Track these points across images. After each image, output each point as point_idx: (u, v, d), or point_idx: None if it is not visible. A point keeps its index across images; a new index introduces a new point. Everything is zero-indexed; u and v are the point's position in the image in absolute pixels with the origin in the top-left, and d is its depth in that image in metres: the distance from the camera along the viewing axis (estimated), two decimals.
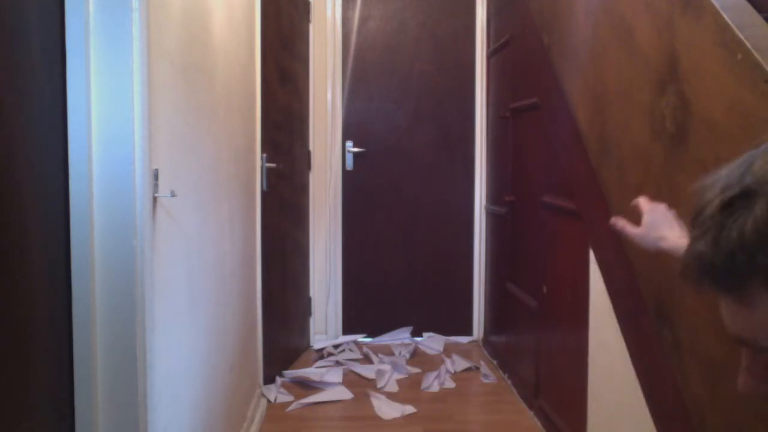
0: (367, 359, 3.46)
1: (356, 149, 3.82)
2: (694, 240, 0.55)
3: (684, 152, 1.50)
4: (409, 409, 2.81)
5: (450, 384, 3.14)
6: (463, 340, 3.87)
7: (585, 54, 2.17)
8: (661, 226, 1.11)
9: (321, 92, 3.76)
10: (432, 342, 3.72)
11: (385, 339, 3.79)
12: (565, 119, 2.35)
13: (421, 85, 3.85)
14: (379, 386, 3.07)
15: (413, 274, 3.88)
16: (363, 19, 3.81)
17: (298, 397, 2.92)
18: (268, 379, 2.99)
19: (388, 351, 3.58)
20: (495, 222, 3.58)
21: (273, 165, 3.00)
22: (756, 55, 1.22)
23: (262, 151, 2.86)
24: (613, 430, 1.97)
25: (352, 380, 3.16)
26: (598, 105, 2.05)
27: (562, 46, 2.41)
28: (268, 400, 2.87)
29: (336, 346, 3.63)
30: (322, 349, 3.58)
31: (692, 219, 0.57)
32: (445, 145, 3.87)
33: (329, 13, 3.74)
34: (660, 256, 1.61)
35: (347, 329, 3.85)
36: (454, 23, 3.85)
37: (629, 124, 1.81)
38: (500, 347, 3.40)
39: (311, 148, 3.75)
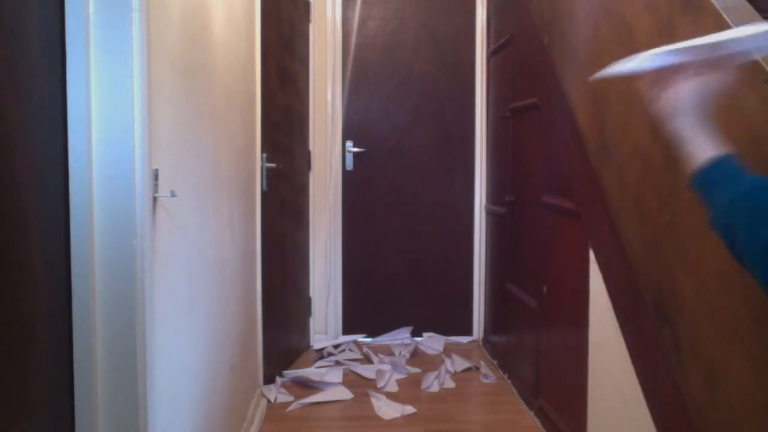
0: (367, 359, 3.46)
1: (356, 149, 3.83)
2: None
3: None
4: (409, 409, 2.81)
5: (450, 384, 3.14)
6: (463, 340, 3.87)
7: (585, 54, 2.17)
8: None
9: (321, 92, 3.76)
10: (432, 342, 3.72)
11: (385, 339, 3.79)
12: (565, 119, 2.35)
13: (421, 85, 3.85)
14: (379, 386, 3.07)
15: (413, 274, 3.89)
16: (363, 19, 3.81)
17: (298, 397, 2.93)
18: (268, 379, 2.99)
19: (388, 351, 3.58)
20: (495, 222, 3.58)
21: (273, 165, 3.00)
22: None
23: (262, 151, 2.86)
24: (613, 430, 1.97)
25: (352, 380, 3.16)
26: (598, 105, 2.05)
27: (562, 46, 2.41)
28: (268, 400, 2.87)
29: (336, 346, 3.63)
30: (322, 349, 3.58)
31: None
32: (445, 145, 3.87)
33: (329, 13, 3.74)
34: (660, 256, 1.62)
35: (347, 329, 3.85)
36: (454, 23, 3.86)
37: (629, 124, 1.81)
38: (500, 347, 3.40)
39: (311, 148, 3.75)
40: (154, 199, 1.40)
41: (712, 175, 0.91)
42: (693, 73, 0.98)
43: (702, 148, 0.94)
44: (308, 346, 3.73)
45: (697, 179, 0.93)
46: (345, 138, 3.82)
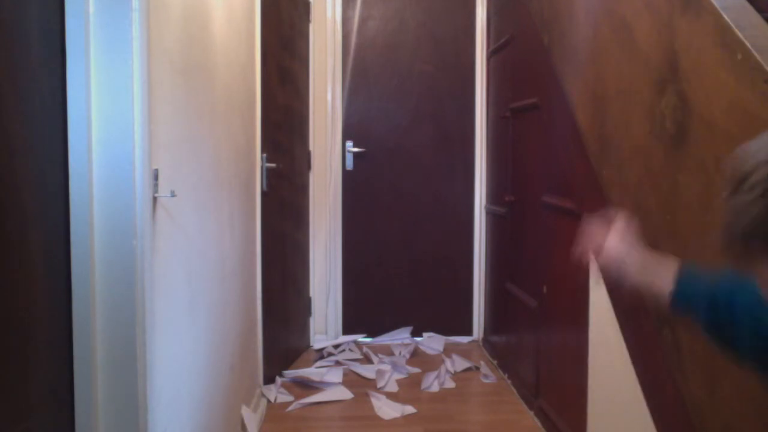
0: (367, 359, 3.46)
1: (356, 149, 3.82)
2: (746, 203, 0.62)
3: (684, 152, 1.50)
4: (409, 409, 2.81)
5: (450, 384, 3.14)
6: (463, 340, 3.87)
7: (585, 54, 2.17)
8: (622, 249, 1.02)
9: (321, 92, 3.76)
10: (432, 342, 3.72)
11: (385, 339, 3.79)
12: (565, 119, 2.35)
13: (421, 85, 3.85)
14: (379, 386, 3.07)
15: (413, 274, 3.88)
16: (363, 19, 3.81)
17: (298, 397, 2.92)
18: (268, 379, 2.99)
19: (388, 351, 3.58)
20: (495, 222, 3.58)
21: (273, 165, 3.00)
22: (756, 55, 1.23)
23: (262, 151, 2.86)
24: (613, 430, 1.97)
25: (352, 380, 3.16)
26: (598, 105, 2.05)
27: (562, 46, 2.41)
28: (268, 400, 2.87)
29: (336, 346, 3.63)
30: (322, 349, 3.58)
31: (737, 184, 0.63)
32: (445, 145, 3.87)
33: (329, 13, 3.74)
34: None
35: (347, 329, 3.85)
36: (454, 23, 3.85)
37: (629, 124, 1.81)
38: (500, 347, 3.40)
39: (311, 148, 3.75)
40: (154, 199, 1.40)
41: (682, 294, 0.94)
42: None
43: (660, 276, 0.97)
44: (308, 346, 3.73)
45: (673, 305, 0.96)
46: (345, 138, 3.82)
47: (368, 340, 3.81)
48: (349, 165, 3.83)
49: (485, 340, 3.76)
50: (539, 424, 2.65)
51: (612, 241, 1.03)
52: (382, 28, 3.83)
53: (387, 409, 2.80)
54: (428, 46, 3.85)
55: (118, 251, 1.28)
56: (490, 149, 3.72)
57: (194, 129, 1.76)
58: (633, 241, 1.02)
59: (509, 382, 3.15)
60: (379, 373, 3.17)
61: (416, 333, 3.84)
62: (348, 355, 3.51)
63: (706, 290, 0.91)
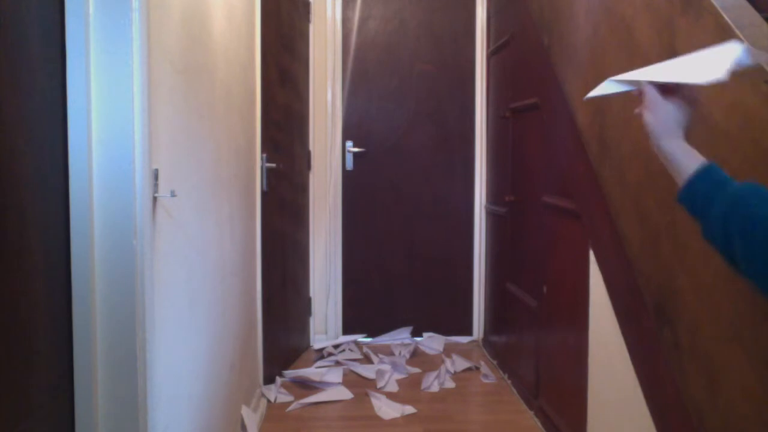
0: (367, 359, 3.46)
1: (356, 149, 3.83)
2: None
3: None
4: (409, 409, 2.81)
5: (450, 384, 3.14)
6: (463, 340, 3.87)
7: (585, 54, 2.17)
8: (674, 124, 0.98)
9: (321, 92, 3.76)
10: (432, 342, 3.72)
11: (385, 339, 3.79)
12: (565, 119, 2.35)
13: (421, 85, 3.85)
14: (379, 386, 3.07)
15: (413, 274, 3.89)
16: (363, 19, 3.81)
17: (298, 397, 2.93)
18: (268, 379, 2.99)
19: (388, 351, 3.58)
20: (495, 222, 3.58)
21: (273, 165, 3.00)
22: None
23: (262, 151, 2.86)
24: (613, 430, 1.97)
25: (352, 380, 3.16)
26: (597, 105, 2.05)
27: (562, 46, 2.41)
28: (268, 400, 2.87)
29: (336, 346, 3.63)
30: (322, 349, 3.58)
31: None
32: (445, 145, 3.87)
33: (329, 13, 3.74)
34: (660, 256, 1.62)
35: (347, 329, 3.85)
36: (454, 23, 3.86)
37: (629, 123, 1.81)
38: (500, 347, 3.40)
39: (311, 148, 3.75)
40: (154, 199, 1.40)
41: (700, 185, 0.91)
42: (670, 95, 1.01)
43: (686, 163, 0.94)
44: (308, 346, 3.73)
45: (684, 192, 0.93)
46: (345, 138, 3.82)
47: (368, 340, 3.81)
48: (349, 165, 3.83)
49: (485, 340, 3.76)
50: (539, 424, 2.66)
51: (664, 112, 0.99)
52: (382, 28, 3.83)
53: (387, 409, 2.80)
54: (428, 46, 3.85)
55: (118, 251, 1.28)
56: (490, 149, 3.72)
57: (194, 129, 1.76)
58: (681, 126, 0.98)
59: (509, 382, 3.15)
60: (379, 373, 3.17)
61: (416, 333, 3.84)
62: (348, 355, 3.51)
63: (733, 188, 0.86)
